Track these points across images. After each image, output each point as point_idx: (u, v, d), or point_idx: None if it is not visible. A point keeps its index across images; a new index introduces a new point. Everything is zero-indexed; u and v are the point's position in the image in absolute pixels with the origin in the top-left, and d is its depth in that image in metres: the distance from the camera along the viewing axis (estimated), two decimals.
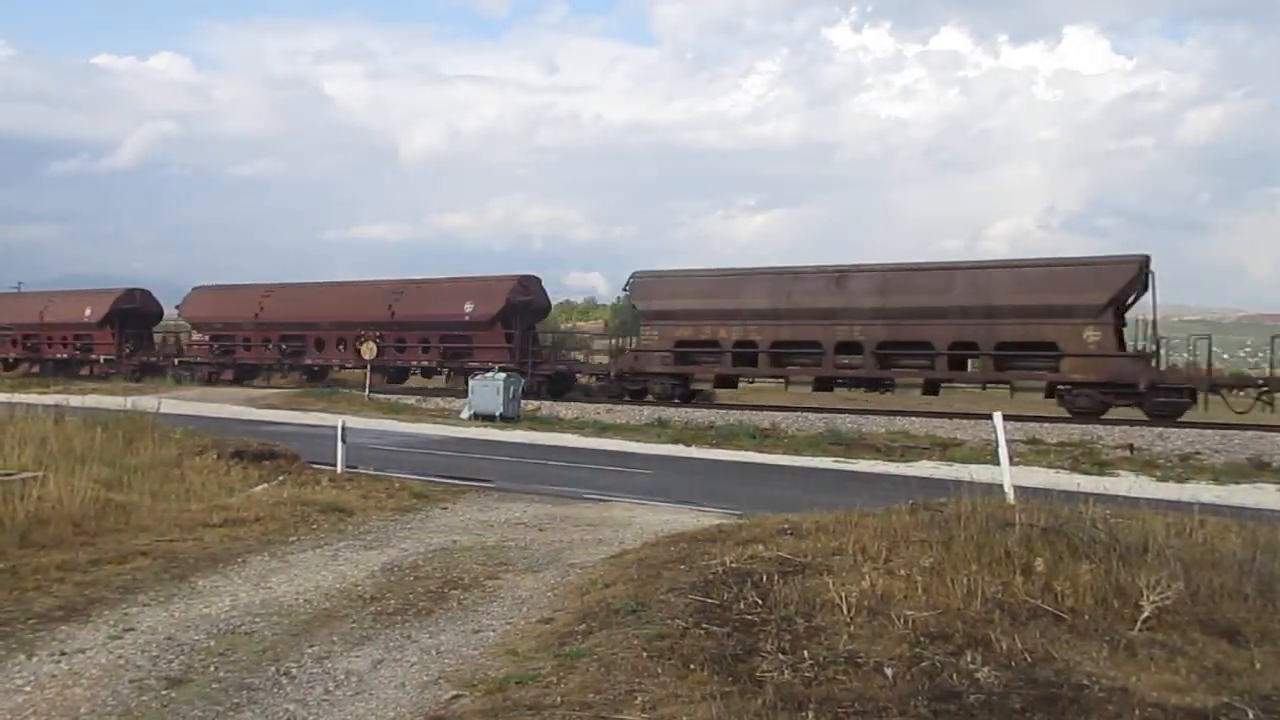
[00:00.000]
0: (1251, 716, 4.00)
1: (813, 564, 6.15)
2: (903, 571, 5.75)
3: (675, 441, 21.16)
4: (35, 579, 6.58)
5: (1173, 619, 5.00)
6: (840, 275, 24.45)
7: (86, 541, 7.67)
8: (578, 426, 24.01)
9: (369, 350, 30.88)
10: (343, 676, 5.05)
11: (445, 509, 10.44)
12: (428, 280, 32.98)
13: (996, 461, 9.15)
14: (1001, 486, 8.27)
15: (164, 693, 4.78)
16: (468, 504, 10.88)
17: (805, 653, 4.67)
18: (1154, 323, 21.90)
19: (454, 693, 4.76)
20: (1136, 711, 4.00)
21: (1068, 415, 22.07)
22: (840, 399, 26.48)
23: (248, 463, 12.24)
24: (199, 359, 36.86)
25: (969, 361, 23.61)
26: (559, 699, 4.37)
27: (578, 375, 29.88)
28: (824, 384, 25.18)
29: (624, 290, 28.08)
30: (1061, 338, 21.72)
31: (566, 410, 26.75)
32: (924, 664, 4.48)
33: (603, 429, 23.33)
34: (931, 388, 24.52)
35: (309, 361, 34.31)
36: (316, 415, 24.67)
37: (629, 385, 27.13)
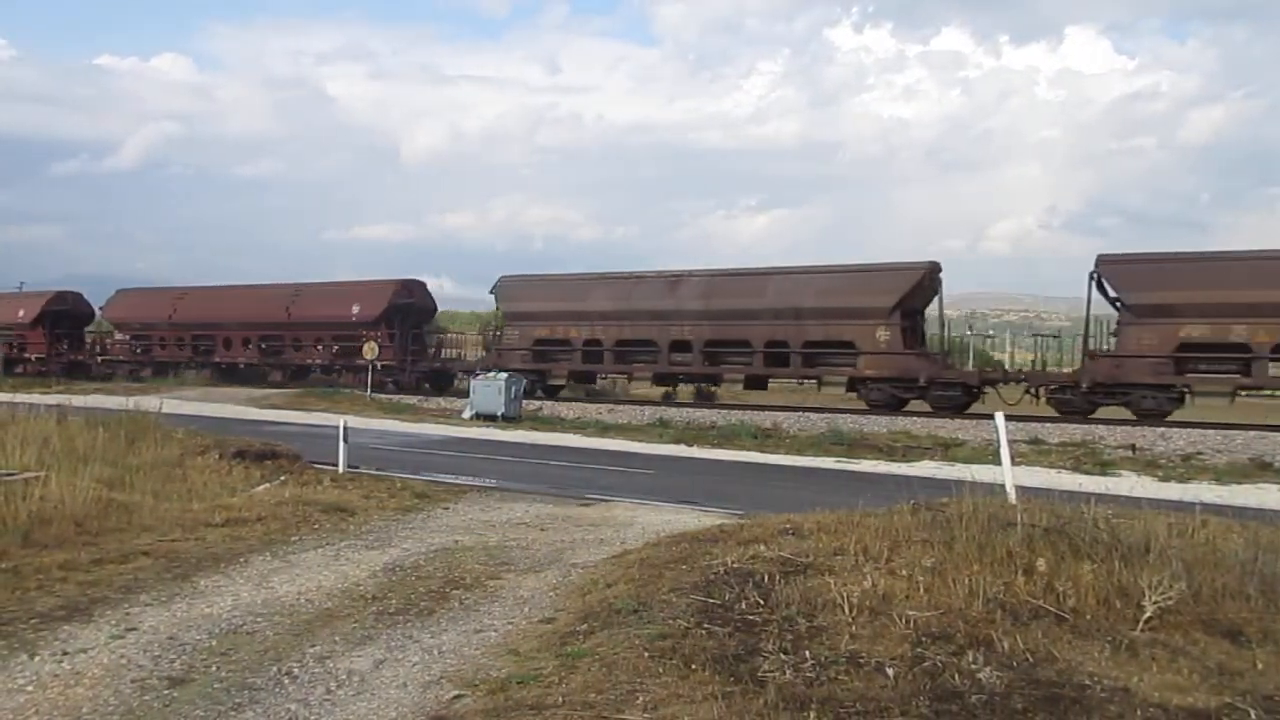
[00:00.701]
0: (1254, 717, 3.99)
1: (814, 564, 6.15)
2: (904, 571, 5.75)
3: (677, 441, 21.15)
4: (37, 578, 6.58)
5: (1175, 619, 4.99)
6: (674, 280, 26.98)
7: (89, 541, 7.67)
8: (579, 426, 24.01)
9: (370, 350, 30.93)
10: (344, 676, 5.05)
11: (447, 509, 10.44)
12: (321, 284, 36.36)
13: (998, 461, 9.13)
14: (1003, 486, 8.25)
15: (166, 692, 4.79)
16: (469, 504, 10.88)
17: (807, 653, 4.68)
18: (942, 323, 24.87)
19: (456, 692, 4.76)
20: (1139, 712, 4.00)
21: (1070, 416, 22.14)
22: (840, 399, 26.79)
23: (249, 463, 12.25)
24: (120, 357, 39.34)
25: (790, 358, 25.44)
26: (561, 699, 4.37)
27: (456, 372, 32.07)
28: (662, 379, 27.82)
29: (491, 293, 30.57)
30: (857, 337, 24.06)
31: (568, 410, 26.83)
32: (926, 664, 4.48)
33: (604, 429, 23.33)
34: (753, 383, 26.84)
35: (217, 359, 36.52)
36: (319, 415, 24.68)
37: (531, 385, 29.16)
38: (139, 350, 38.61)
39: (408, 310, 32.39)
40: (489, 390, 25.69)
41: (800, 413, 24.36)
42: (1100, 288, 22.07)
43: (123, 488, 9.81)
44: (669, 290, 26.72)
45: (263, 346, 35.06)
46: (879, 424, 22.64)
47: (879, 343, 23.60)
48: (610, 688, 4.43)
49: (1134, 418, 21.36)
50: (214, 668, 5.13)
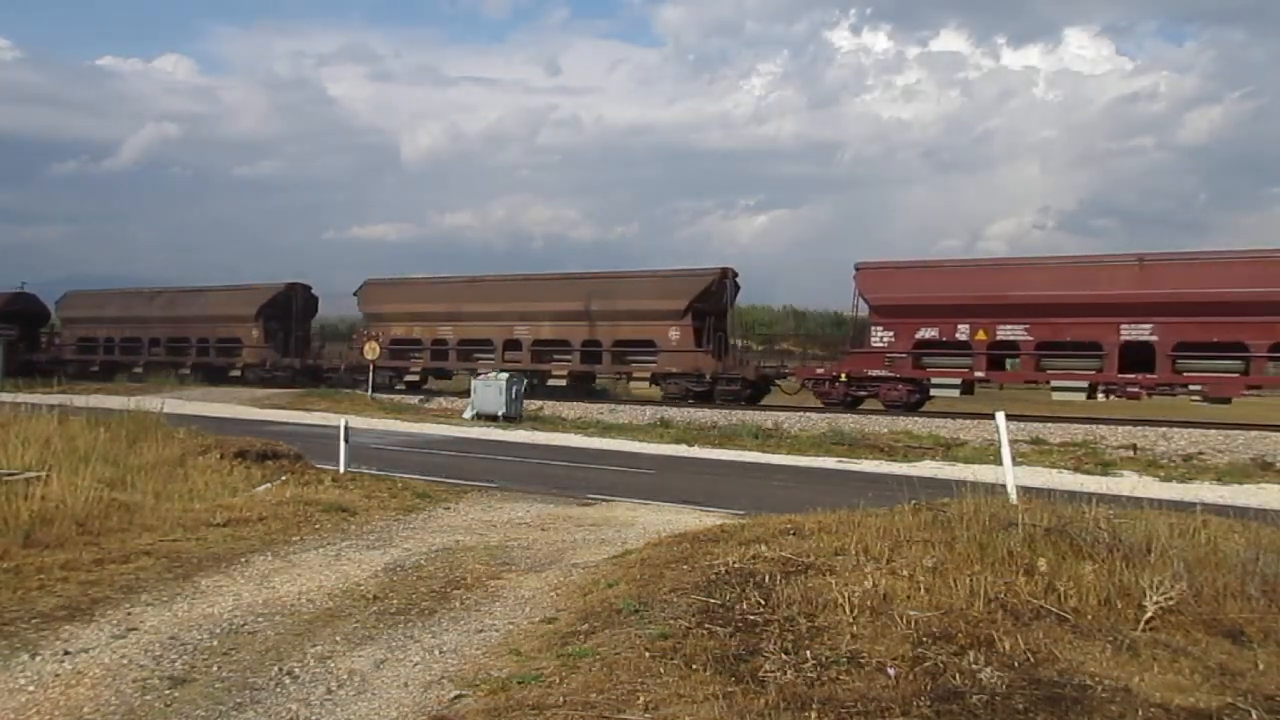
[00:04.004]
0: (1255, 717, 3.99)
1: (815, 564, 6.15)
2: (905, 571, 5.75)
3: (678, 441, 21.18)
4: (39, 578, 6.59)
5: (1176, 619, 4.99)
6: (152, 294, 39.76)
7: (90, 541, 7.67)
8: (580, 426, 24.04)
9: (371, 350, 31.05)
10: (345, 676, 5.05)
11: (448, 509, 10.44)
12: None
13: (999, 461, 9.13)
14: (1004, 486, 8.25)
15: (167, 692, 4.79)
16: (470, 504, 10.89)
17: (808, 653, 4.67)
18: (296, 321, 36.21)
19: (457, 692, 4.76)
20: (1140, 712, 4.00)
21: (1072, 416, 22.19)
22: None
23: (251, 463, 12.24)
24: None
25: (210, 350, 37.56)
26: (562, 699, 4.37)
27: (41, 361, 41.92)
28: (148, 367, 38.89)
29: (55, 303, 42.87)
30: (243, 335, 36.32)
31: (569, 410, 26.89)
32: (927, 664, 4.48)
33: (605, 429, 23.36)
34: (200, 368, 37.52)
35: None
36: (319, 415, 24.72)
37: (54, 368, 39.11)
38: None
39: (20, 314, 41.68)
40: (490, 390, 25.72)
41: (801, 413, 24.41)
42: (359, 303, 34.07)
43: (124, 487, 9.81)
44: (148, 302, 39.18)
45: None
46: (880, 424, 22.67)
47: (253, 339, 35.84)
48: (611, 688, 4.43)
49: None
50: (215, 667, 5.14)
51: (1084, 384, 22.37)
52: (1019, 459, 13.12)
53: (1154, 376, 21.40)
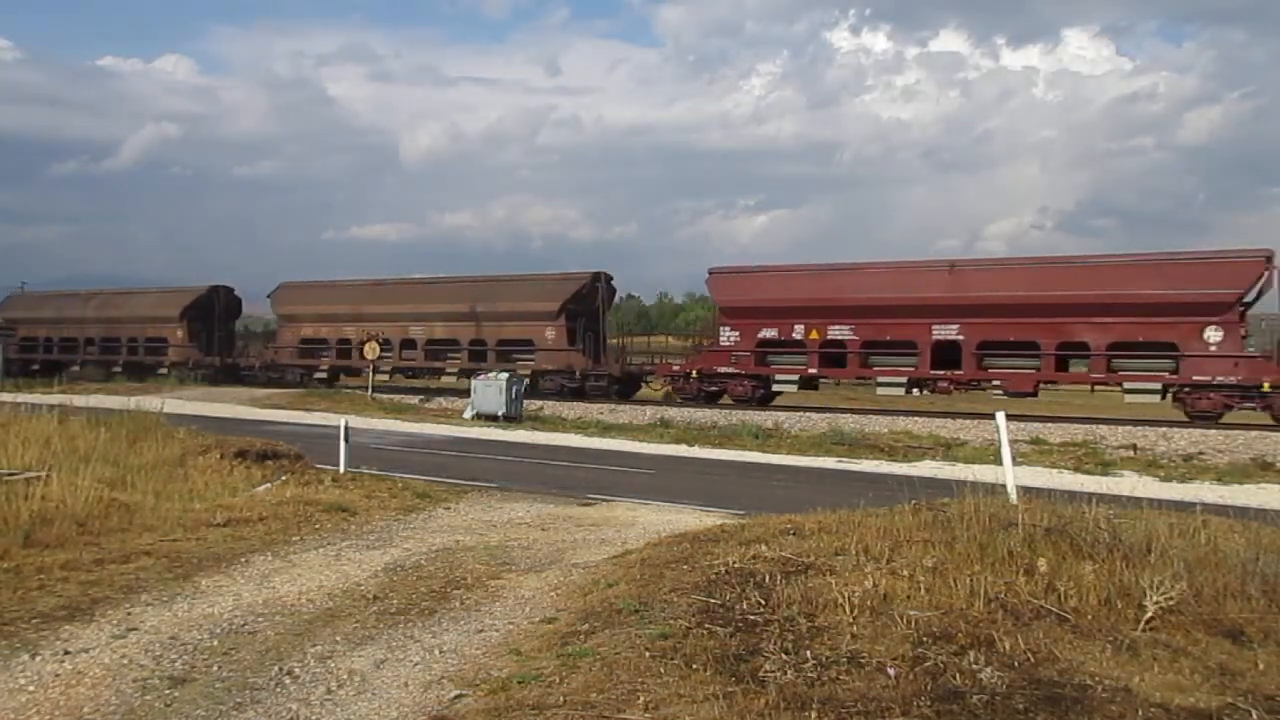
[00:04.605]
0: (1255, 717, 3.99)
1: (816, 564, 6.15)
2: (906, 571, 5.75)
3: (678, 441, 21.16)
4: (39, 578, 6.59)
5: (1176, 619, 4.99)
6: (87, 296, 42.38)
7: (90, 541, 7.68)
8: (580, 426, 24.01)
9: (371, 350, 31.06)
10: (345, 676, 5.05)
11: (448, 509, 10.44)
12: None
13: (999, 461, 9.12)
14: (1004, 486, 8.24)
15: (167, 692, 4.79)
16: (470, 504, 10.88)
17: (808, 653, 4.67)
18: (219, 322, 38.26)
19: (457, 692, 4.76)
20: (1140, 712, 4.00)
21: (1072, 416, 22.23)
22: (842, 399, 27.35)
23: (251, 462, 12.22)
24: None
25: (139, 349, 39.55)
26: (562, 698, 4.37)
27: None
28: (84, 365, 40.97)
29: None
30: (165, 335, 38.59)
31: (569, 410, 26.88)
32: (927, 664, 4.48)
33: (605, 429, 23.33)
34: (130, 367, 39.12)
35: None
36: (320, 415, 24.70)
37: (12, 367, 41.45)
38: None
39: None
40: (490, 390, 25.68)
41: (801, 413, 24.43)
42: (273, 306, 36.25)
43: (124, 487, 9.81)
44: (84, 304, 41.43)
45: None
46: (880, 424, 22.67)
47: (178, 339, 37.95)
48: (611, 687, 4.43)
49: (1140, 417, 21.62)
50: (215, 667, 5.14)
51: (904, 380, 23.98)
52: (1019, 459, 13.12)
53: (961, 373, 23.08)
